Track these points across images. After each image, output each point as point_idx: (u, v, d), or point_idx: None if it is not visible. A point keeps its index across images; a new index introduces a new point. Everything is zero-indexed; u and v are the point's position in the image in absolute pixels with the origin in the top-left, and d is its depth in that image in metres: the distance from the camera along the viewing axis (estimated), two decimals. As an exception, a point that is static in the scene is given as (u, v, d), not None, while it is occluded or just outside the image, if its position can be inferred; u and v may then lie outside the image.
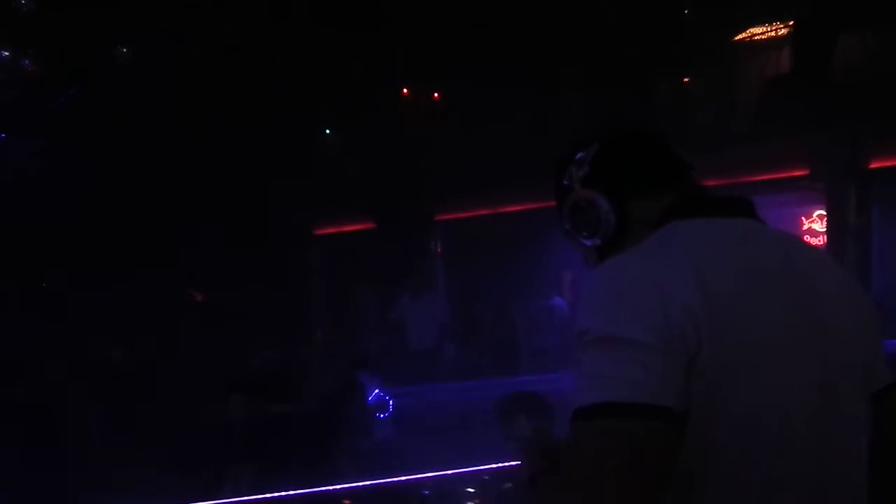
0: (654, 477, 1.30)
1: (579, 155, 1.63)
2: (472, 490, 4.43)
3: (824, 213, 10.66)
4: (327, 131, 12.46)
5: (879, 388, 1.57)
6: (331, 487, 4.36)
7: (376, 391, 6.87)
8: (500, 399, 3.94)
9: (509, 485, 4.37)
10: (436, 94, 11.95)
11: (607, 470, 1.29)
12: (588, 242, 1.61)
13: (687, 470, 1.35)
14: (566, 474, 1.33)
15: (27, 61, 8.76)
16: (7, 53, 8.58)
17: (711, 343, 1.33)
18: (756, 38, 10.34)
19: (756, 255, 1.48)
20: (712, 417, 1.34)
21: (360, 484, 4.54)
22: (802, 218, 11.26)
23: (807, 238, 11.11)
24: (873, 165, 9.98)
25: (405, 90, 11.90)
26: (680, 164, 1.65)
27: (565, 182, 1.64)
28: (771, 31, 10.23)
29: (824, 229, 10.68)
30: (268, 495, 4.18)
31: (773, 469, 1.38)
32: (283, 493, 4.18)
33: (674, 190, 1.59)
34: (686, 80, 10.57)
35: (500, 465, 4.56)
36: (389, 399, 6.88)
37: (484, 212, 13.29)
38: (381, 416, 6.62)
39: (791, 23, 9.77)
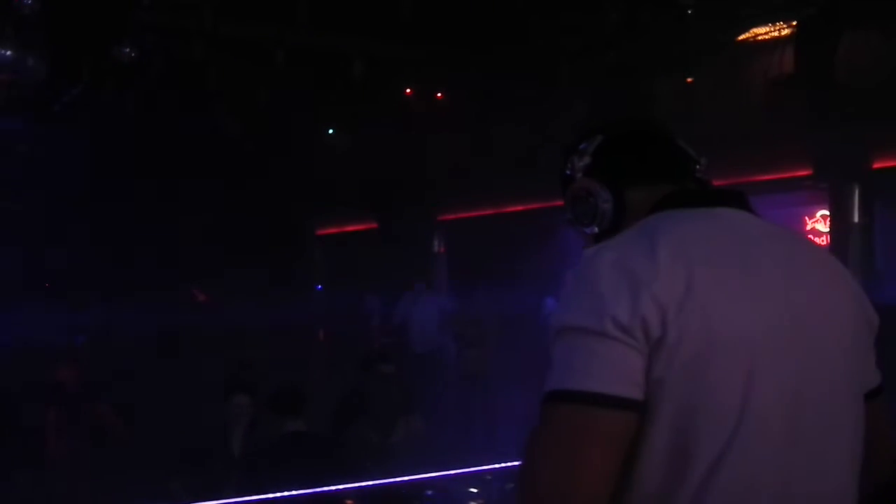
0: (597, 461, 1.33)
1: (582, 145, 1.65)
2: (474, 490, 4.41)
3: (828, 212, 10.65)
4: (330, 131, 12.44)
5: (870, 388, 1.57)
6: (332, 487, 4.35)
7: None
8: None
9: (512, 485, 4.36)
10: (439, 94, 11.94)
11: (546, 453, 1.35)
12: (587, 230, 1.62)
13: (660, 453, 1.36)
14: (523, 455, 1.39)
15: (30, 60, 8.74)
16: (10, 52, 8.57)
17: (677, 330, 1.34)
18: (759, 38, 10.33)
19: (739, 245, 1.47)
20: (682, 403, 1.35)
21: (363, 484, 4.52)
22: (806, 218, 11.25)
23: (810, 237, 11.11)
24: (876, 165, 9.97)
25: (408, 90, 11.89)
26: (684, 157, 1.65)
27: (567, 172, 1.65)
28: (774, 31, 10.21)
29: (828, 229, 10.67)
30: (268, 496, 4.17)
31: (736, 465, 1.36)
32: (284, 494, 4.17)
33: (673, 182, 1.60)
34: (689, 80, 10.55)
35: (503, 465, 4.55)
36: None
37: (487, 211, 13.28)
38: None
39: (794, 23, 9.76)
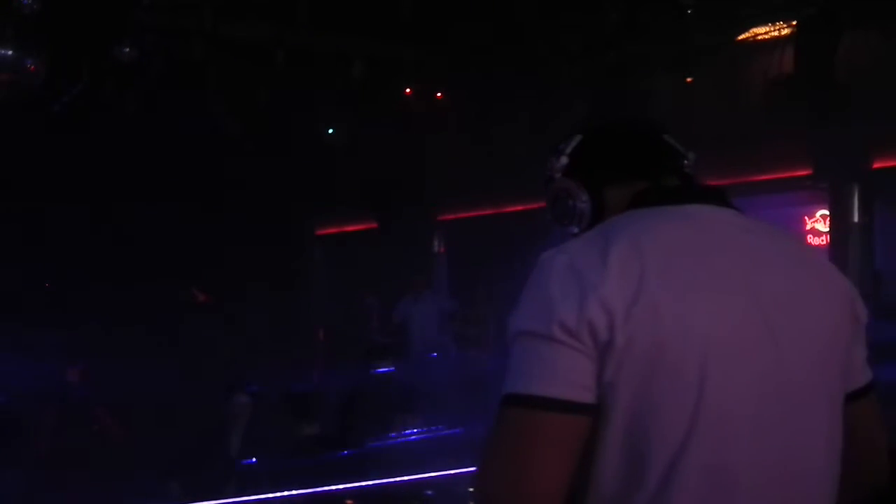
0: (545, 464, 1.34)
1: (561, 146, 1.65)
2: (474, 490, 4.41)
3: (828, 213, 10.64)
4: (329, 131, 12.44)
5: (857, 388, 1.54)
6: (332, 487, 4.35)
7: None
8: None
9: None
10: (439, 94, 11.94)
11: (496, 456, 1.37)
12: (568, 230, 1.63)
13: (617, 456, 1.36)
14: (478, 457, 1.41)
15: (30, 61, 8.74)
16: (10, 52, 8.57)
17: (627, 333, 1.33)
18: (759, 38, 10.32)
19: (706, 243, 1.45)
20: (635, 406, 1.34)
21: (362, 484, 4.53)
22: (806, 218, 11.25)
23: (809, 238, 11.10)
24: (876, 165, 9.97)
25: (408, 90, 11.88)
26: (669, 153, 1.64)
27: (548, 173, 1.66)
28: (774, 31, 10.20)
29: (827, 229, 10.67)
30: (268, 495, 4.18)
31: (694, 467, 1.34)
32: (284, 494, 4.17)
33: (652, 179, 1.59)
34: (689, 80, 10.54)
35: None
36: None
37: (487, 211, 13.27)
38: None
39: (794, 23, 9.75)
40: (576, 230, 1.60)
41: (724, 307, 1.39)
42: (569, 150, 1.64)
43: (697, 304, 1.37)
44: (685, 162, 1.64)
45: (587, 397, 1.35)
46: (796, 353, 1.43)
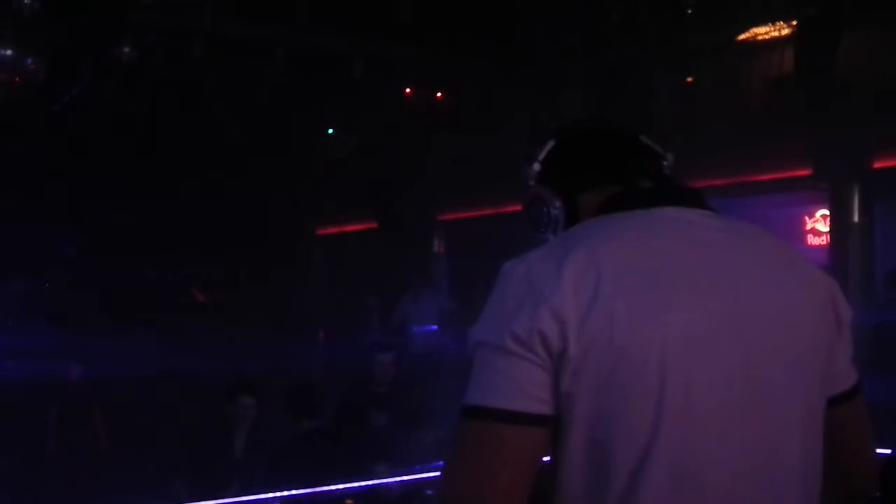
0: (501, 476, 1.33)
1: (535, 152, 1.65)
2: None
3: (828, 212, 10.64)
4: (329, 131, 12.44)
5: (841, 391, 1.51)
6: (332, 487, 4.36)
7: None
8: None
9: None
10: (439, 94, 11.94)
11: (453, 468, 1.37)
12: (544, 237, 1.61)
13: (580, 466, 1.35)
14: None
15: (29, 60, 8.74)
16: (10, 52, 8.57)
17: (582, 343, 1.32)
18: (759, 38, 10.32)
19: (670, 247, 1.42)
20: (594, 416, 1.33)
21: (363, 484, 4.53)
22: (806, 218, 11.24)
23: (809, 238, 11.10)
24: (877, 165, 9.96)
25: (408, 89, 11.89)
26: (644, 155, 1.61)
27: (523, 180, 1.67)
28: (774, 31, 10.20)
29: (828, 229, 10.66)
30: (269, 495, 4.19)
31: (658, 476, 1.32)
32: (284, 494, 4.18)
33: (624, 182, 1.56)
34: (689, 80, 10.54)
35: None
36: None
37: (487, 211, 13.27)
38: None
39: (794, 23, 9.75)
40: (551, 237, 1.57)
41: (687, 311, 1.36)
42: (541, 156, 1.63)
43: (657, 309, 1.35)
44: (664, 163, 1.61)
45: (543, 409, 1.34)
46: (769, 355, 1.39)
